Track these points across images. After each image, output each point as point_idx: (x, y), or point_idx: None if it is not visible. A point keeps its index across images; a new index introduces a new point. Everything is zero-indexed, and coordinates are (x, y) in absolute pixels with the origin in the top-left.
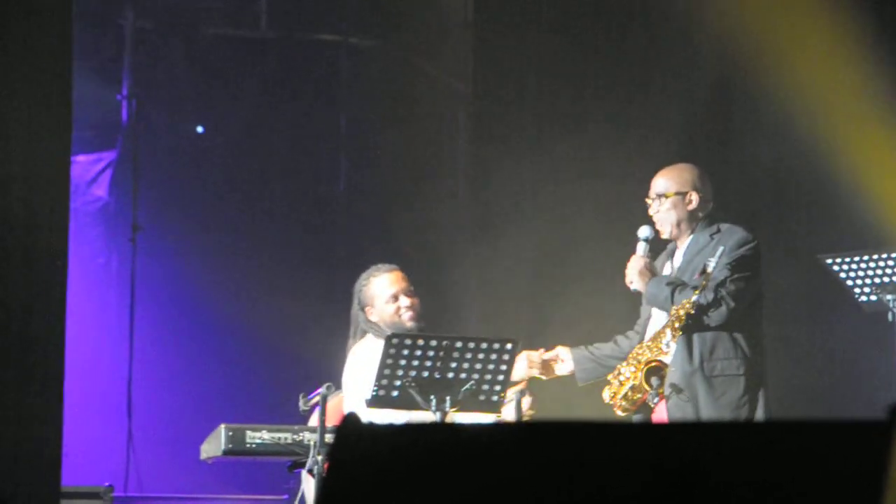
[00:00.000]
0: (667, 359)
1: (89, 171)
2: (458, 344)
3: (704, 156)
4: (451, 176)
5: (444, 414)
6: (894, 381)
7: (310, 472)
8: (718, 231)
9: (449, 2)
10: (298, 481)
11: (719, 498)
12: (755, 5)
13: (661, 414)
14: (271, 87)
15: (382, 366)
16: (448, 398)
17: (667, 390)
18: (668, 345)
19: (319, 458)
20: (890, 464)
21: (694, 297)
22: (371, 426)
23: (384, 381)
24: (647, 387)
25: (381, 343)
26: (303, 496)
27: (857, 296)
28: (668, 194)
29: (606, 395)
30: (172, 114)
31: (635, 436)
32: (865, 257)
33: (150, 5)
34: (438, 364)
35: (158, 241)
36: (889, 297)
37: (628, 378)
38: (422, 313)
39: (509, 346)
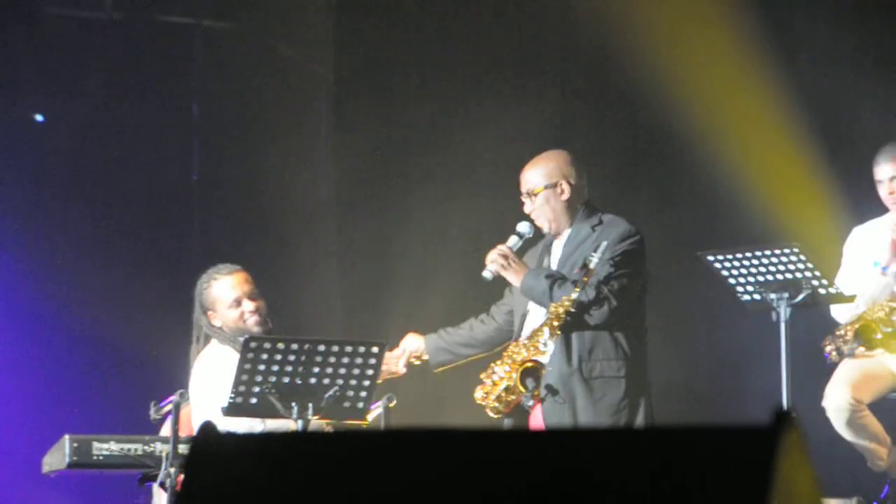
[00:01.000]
0: (544, 359)
1: None
2: (321, 347)
3: (581, 143)
4: (311, 166)
5: (307, 422)
6: (779, 382)
7: (161, 485)
8: (600, 223)
9: None
10: (150, 495)
11: None
12: None
13: (537, 417)
14: (118, 72)
15: (240, 371)
16: (311, 405)
17: (542, 392)
18: (545, 344)
19: (172, 470)
20: (775, 469)
21: (574, 295)
22: (228, 435)
23: (242, 388)
24: (521, 388)
25: (226, 348)
26: None
27: (739, 294)
28: (536, 191)
29: (479, 394)
30: (10, 101)
31: (511, 443)
32: (748, 254)
33: None
34: (300, 369)
35: None
36: (773, 295)
37: (502, 378)
38: (267, 316)
39: (376, 349)
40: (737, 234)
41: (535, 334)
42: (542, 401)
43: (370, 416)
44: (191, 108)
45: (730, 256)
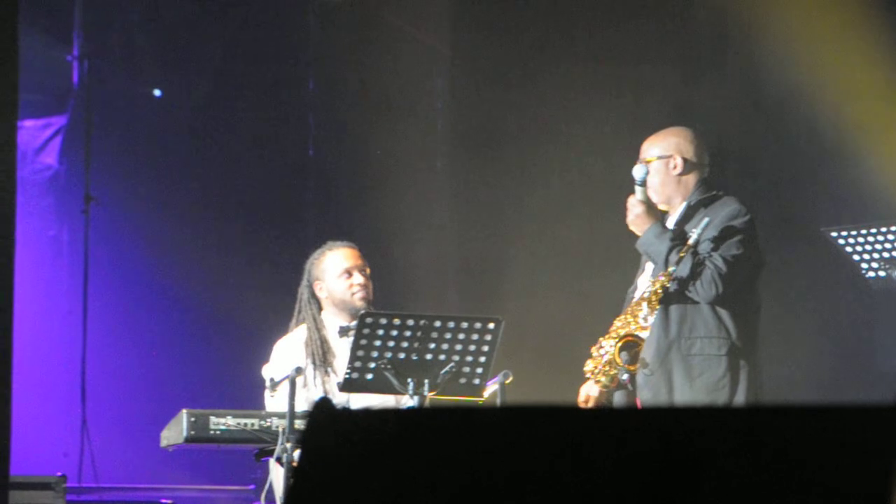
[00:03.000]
0: (644, 333)
1: (37, 138)
2: (437, 323)
3: (700, 122)
4: (427, 142)
5: (423, 398)
6: None
7: (278, 460)
8: (713, 202)
9: None
10: (266, 470)
11: (719, 486)
12: None
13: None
14: (235, 47)
15: (356, 346)
16: (427, 381)
17: (638, 366)
18: (645, 318)
19: (288, 445)
20: None
21: (671, 269)
22: (344, 411)
23: (357, 364)
24: (618, 361)
25: (302, 337)
26: (271, 486)
27: (864, 271)
28: (649, 159)
29: (588, 367)
30: (128, 76)
31: (629, 419)
32: (873, 230)
33: None
34: (416, 345)
35: (113, 212)
36: None
37: (608, 352)
38: (372, 297)
39: (492, 325)
40: (862, 211)
41: (635, 308)
42: (632, 377)
43: (486, 393)
44: (306, 82)
45: (854, 232)
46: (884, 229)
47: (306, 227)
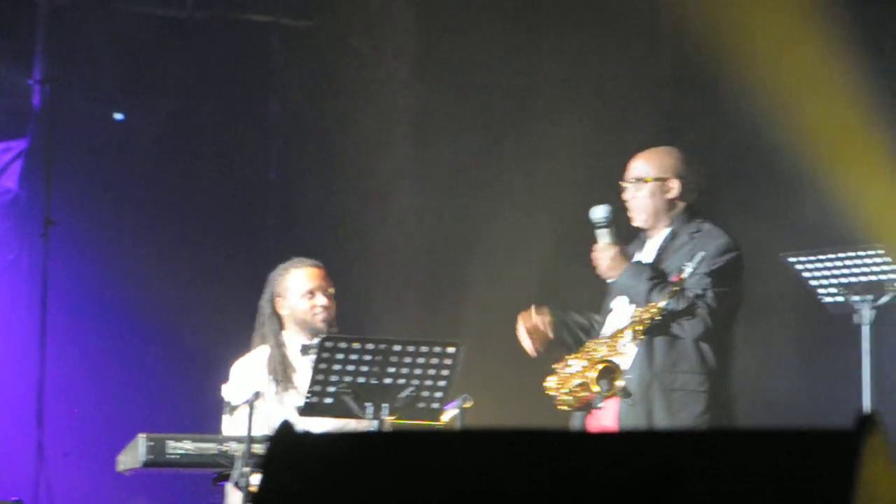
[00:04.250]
0: (621, 360)
1: None
2: (397, 347)
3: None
4: (391, 166)
5: (382, 422)
6: (860, 386)
7: (236, 485)
8: (699, 231)
9: None
10: (223, 495)
11: None
12: None
13: (602, 418)
14: (198, 70)
15: (316, 371)
16: (386, 405)
17: (617, 394)
18: (624, 346)
19: (247, 469)
20: (858, 474)
21: (663, 303)
22: (307, 435)
23: (317, 388)
24: (595, 387)
25: (261, 356)
26: None
27: (821, 296)
28: (647, 179)
29: (551, 384)
30: (90, 99)
31: (598, 443)
32: (831, 255)
33: None
34: (375, 369)
35: (73, 236)
36: (855, 297)
37: (578, 372)
38: (335, 319)
39: (451, 349)
40: (820, 235)
41: (616, 335)
42: (620, 404)
43: (445, 417)
44: (269, 106)
45: (812, 258)
46: (841, 255)
47: (268, 250)
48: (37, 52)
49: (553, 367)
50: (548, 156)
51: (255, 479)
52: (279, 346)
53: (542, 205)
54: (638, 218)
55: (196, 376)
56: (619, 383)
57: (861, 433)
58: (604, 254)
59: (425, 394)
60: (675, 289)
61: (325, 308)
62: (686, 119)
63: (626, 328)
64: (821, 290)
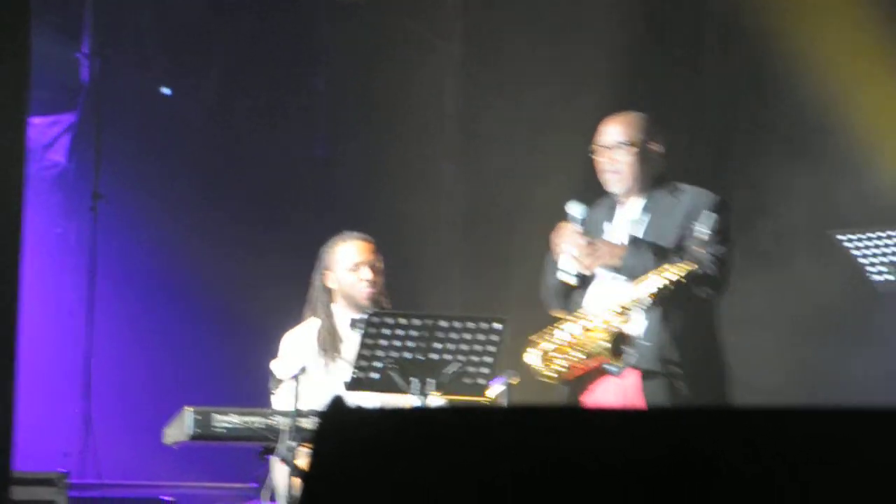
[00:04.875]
0: (630, 328)
1: (46, 135)
2: (443, 323)
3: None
4: (438, 142)
5: (427, 398)
6: None
7: (282, 459)
8: (678, 190)
9: None
10: (268, 468)
11: (730, 491)
12: None
13: (602, 392)
14: (245, 46)
15: (362, 346)
16: (432, 381)
17: (631, 363)
18: (635, 314)
19: (292, 444)
20: None
21: (686, 269)
22: (357, 410)
23: (363, 363)
24: (611, 356)
25: (310, 329)
26: (273, 484)
27: (870, 274)
28: (636, 142)
29: (534, 359)
30: (138, 74)
31: (641, 422)
32: (880, 233)
33: None
34: (422, 344)
35: (121, 210)
36: None
37: (574, 341)
38: (381, 293)
39: (497, 325)
40: (868, 213)
41: (627, 302)
42: (643, 376)
43: (491, 393)
44: (317, 82)
45: (861, 236)
46: (891, 232)
47: (315, 225)
48: (85, 26)
49: (533, 339)
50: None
51: (301, 453)
52: (328, 317)
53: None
54: (619, 184)
55: (244, 349)
56: (632, 351)
57: None
58: (597, 248)
59: (471, 369)
60: (698, 248)
61: (371, 282)
62: (731, 96)
63: (639, 296)
64: (870, 268)
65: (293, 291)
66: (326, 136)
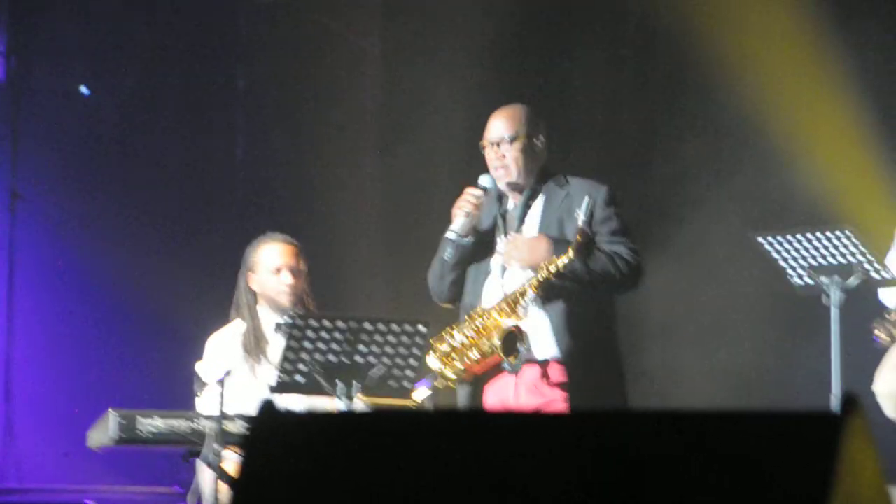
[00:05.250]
0: (523, 324)
1: None
2: (367, 326)
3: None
4: (357, 142)
5: (352, 401)
6: (829, 367)
7: (207, 462)
8: (568, 183)
9: None
10: (194, 472)
11: (657, 493)
12: None
13: (498, 389)
14: (164, 43)
15: (286, 349)
16: (357, 384)
17: (524, 357)
18: (525, 308)
19: (217, 447)
20: (840, 455)
21: (565, 260)
22: (288, 414)
23: (288, 366)
24: (504, 353)
25: (236, 331)
26: (198, 488)
27: (790, 277)
28: (520, 136)
29: (434, 362)
30: (55, 72)
31: (567, 425)
32: (800, 236)
33: None
34: (346, 347)
35: (39, 210)
36: (824, 278)
37: (468, 342)
38: (304, 297)
39: (422, 327)
40: (788, 215)
41: (513, 297)
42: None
43: (417, 396)
44: (235, 81)
45: (780, 238)
46: (810, 235)
47: (239, 225)
48: (0, 24)
49: (432, 341)
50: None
51: (227, 457)
52: (253, 319)
53: None
54: (511, 176)
55: (168, 351)
56: (525, 347)
57: (844, 414)
58: (530, 242)
59: (396, 372)
60: (578, 238)
61: (291, 286)
62: (660, 96)
63: (524, 289)
64: (789, 271)
65: (218, 293)
66: (247, 135)
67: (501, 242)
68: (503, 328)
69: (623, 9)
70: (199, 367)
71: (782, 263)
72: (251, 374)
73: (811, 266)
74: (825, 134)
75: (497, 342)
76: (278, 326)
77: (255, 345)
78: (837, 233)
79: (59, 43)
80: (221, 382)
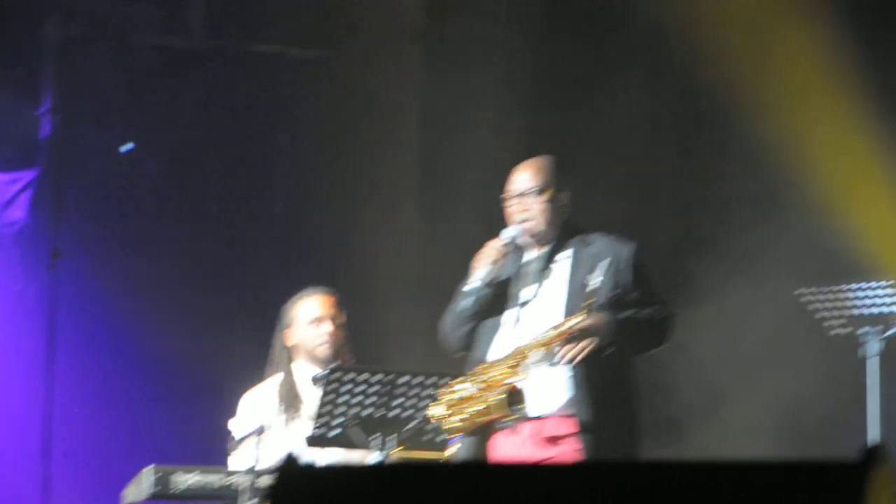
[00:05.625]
0: (523, 382)
1: (6, 192)
2: (403, 379)
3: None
4: (396, 198)
5: (388, 454)
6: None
7: None
8: (593, 241)
9: (398, 12)
10: None
11: None
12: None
13: (506, 446)
14: (206, 101)
15: (322, 402)
16: (392, 437)
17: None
18: (526, 368)
19: (251, 502)
20: None
21: (576, 319)
22: (312, 467)
23: (323, 419)
24: (506, 411)
25: (270, 387)
26: None
27: (828, 328)
28: (547, 189)
29: (437, 412)
30: (98, 130)
31: (596, 473)
32: (836, 288)
33: (75, 11)
34: (383, 400)
35: (81, 267)
36: (863, 329)
37: (472, 396)
38: (343, 346)
39: (499, 396)
40: (827, 267)
41: (520, 354)
42: (580, 434)
43: (452, 450)
44: (276, 137)
45: (817, 290)
46: (845, 287)
47: (275, 281)
48: (45, 82)
49: (437, 393)
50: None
51: None
52: (289, 375)
53: None
54: (536, 230)
55: (205, 409)
56: (523, 407)
57: (867, 465)
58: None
59: (431, 426)
60: (589, 301)
61: (331, 335)
62: (694, 141)
63: (530, 347)
64: (827, 323)
65: (257, 350)
66: (287, 191)
67: (518, 294)
68: (504, 385)
69: (662, 61)
70: (232, 424)
71: (820, 315)
72: (286, 428)
73: (850, 317)
74: (861, 185)
75: (496, 399)
76: (315, 379)
77: (290, 400)
78: (875, 283)
79: (104, 100)
80: (255, 437)
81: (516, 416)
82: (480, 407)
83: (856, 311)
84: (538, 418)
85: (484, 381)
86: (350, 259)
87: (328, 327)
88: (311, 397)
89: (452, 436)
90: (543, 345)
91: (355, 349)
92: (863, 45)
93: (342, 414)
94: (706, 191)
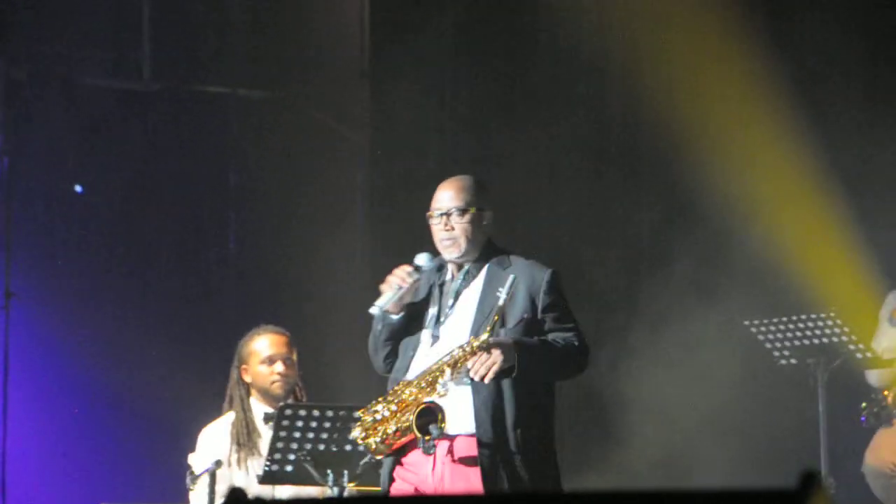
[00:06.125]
0: (442, 401)
1: None
2: (356, 414)
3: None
4: (348, 233)
5: (342, 489)
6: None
7: None
8: (510, 264)
9: (343, 50)
10: None
11: None
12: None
13: (418, 465)
14: (155, 142)
15: (275, 438)
16: (346, 472)
17: (438, 434)
18: (444, 385)
19: None
20: None
21: (483, 337)
22: (256, 501)
23: (276, 455)
24: (418, 432)
25: (227, 423)
26: None
27: (776, 359)
28: (470, 209)
29: (357, 433)
30: (48, 172)
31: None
32: (784, 319)
33: (22, 54)
34: (335, 436)
35: (34, 308)
36: (810, 360)
37: (387, 418)
38: (295, 383)
39: (411, 416)
40: (774, 301)
41: (431, 374)
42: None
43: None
44: (227, 176)
45: (766, 321)
46: (794, 318)
47: (229, 318)
48: None
49: (359, 414)
50: (505, 228)
51: None
52: (245, 411)
53: None
54: (457, 250)
55: (160, 445)
56: (438, 426)
57: (804, 492)
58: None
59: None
60: (496, 317)
61: (283, 375)
62: (641, 188)
63: (441, 365)
64: (776, 353)
65: (212, 386)
66: (239, 229)
67: (436, 313)
68: (420, 405)
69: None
70: (192, 459)
71: (769, 346)
72: (242, 465)
73: (796, 348)
74: (803, 220)
75: (412, 418)
76: (266, 417)
77: (245, 437)
78: (821, 314)
79: (53, 143)
80: (212, 473)
81: (430, 435)
82: (393, 429)
83: (803, 343)
84: (451, 438)
85: (397, 403)
86: (304, 295)
87: (280, 367)
88: (267, 434)
89: (378, 457)
90: (450, 365)
91: (310, 384)
92: (796, 75)
93: (294, 450)
94: (652, 218)
